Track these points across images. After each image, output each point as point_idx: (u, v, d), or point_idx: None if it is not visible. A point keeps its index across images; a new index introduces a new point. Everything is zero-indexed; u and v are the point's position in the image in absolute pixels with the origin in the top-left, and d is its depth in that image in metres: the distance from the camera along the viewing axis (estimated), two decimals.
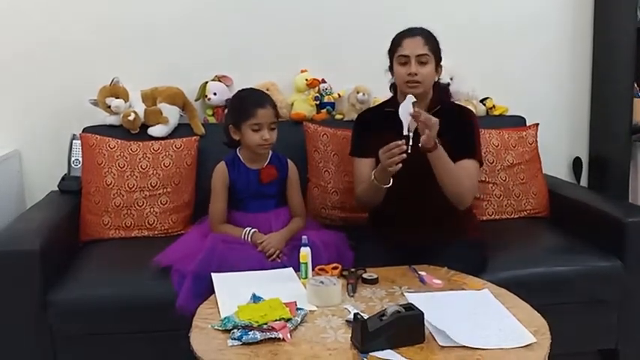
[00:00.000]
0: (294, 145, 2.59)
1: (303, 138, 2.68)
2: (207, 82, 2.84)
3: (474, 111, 2.55)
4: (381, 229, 2.19)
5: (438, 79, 2.14)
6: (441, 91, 2.22)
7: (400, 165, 1.87)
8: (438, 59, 2.10)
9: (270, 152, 2.29)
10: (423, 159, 1.96)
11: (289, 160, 2.35)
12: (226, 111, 2.31)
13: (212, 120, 2.87)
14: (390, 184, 1.97)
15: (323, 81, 2.89)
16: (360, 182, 2.11)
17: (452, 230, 2.11)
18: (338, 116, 2.87)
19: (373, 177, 1.96)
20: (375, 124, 2.13)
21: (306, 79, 2.85)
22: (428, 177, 2.00)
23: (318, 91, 2.86)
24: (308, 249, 1.84)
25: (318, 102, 2.85)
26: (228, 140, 2.28)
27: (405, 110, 1.86)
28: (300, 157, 2.54)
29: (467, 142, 2.05)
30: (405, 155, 1.85)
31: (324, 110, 2.85)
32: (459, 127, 2.03)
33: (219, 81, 2.84)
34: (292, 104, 2.86)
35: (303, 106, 2.84)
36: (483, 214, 2.64)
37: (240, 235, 2.16)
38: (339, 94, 2.90)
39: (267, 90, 2.67)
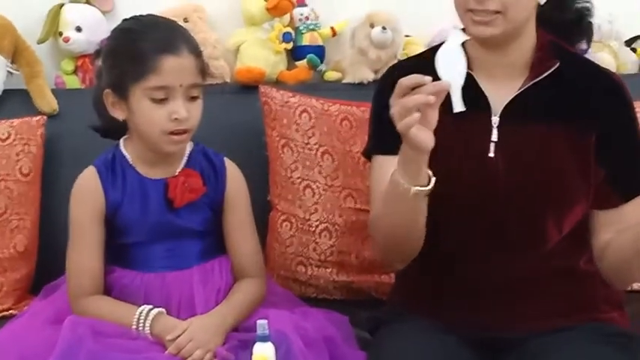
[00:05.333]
0: (241, 134, 2.56)
1: (261, 118, 2.58)
2: (62, 6, 2.74)
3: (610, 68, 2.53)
4: (421, 308, 2.08)
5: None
6: (560, 30, 2.11)
7: (433, 139, 1.83)
8: None
9: (190, 146, 2.17)
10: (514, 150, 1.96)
11: (229, 162, 2.23)
12: (100, 63, 2.20)
13: (73, 83, 2.77)
14: (430, 185, 1.90)
15: (300, 2, 2.84)
16: (379, 199, 2.08)
17: (571, 306, 2.01)
18: (331, 75, 2.83)
19: (395, 176, 1.94)
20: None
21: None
22: (525, 192, 1.97)
23: (291, 24, 2.83)
24: (270, 347, 1.77)
25: (290, 45, 2.79)
26: (103, 122, 2.17)
27: (449, 59, 1.86)
28: (253, 158, 2.48)
29: (634, 157, 2.02)
30: (436, 118, 1.82)
31: (303, 62, 2.80)
32: (612, 120, 2.00)
33: (88, 2, 2.78)
34: (238, 50, 2.78)
35: (259, 54, 2.77)
36: None
37: (131, 322, 2.03)
38: (333, 30, 2.84)
39: (185, 21, 2.62)
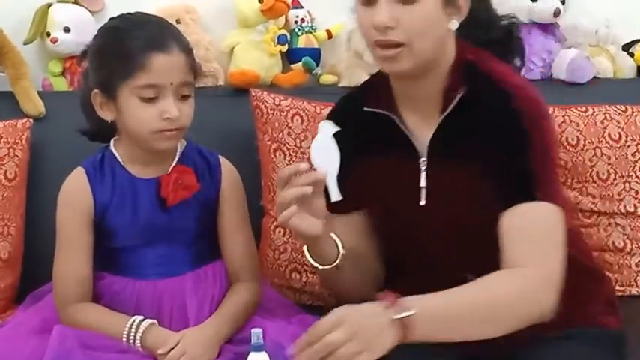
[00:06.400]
0: (234, 138, 2.56)
1: (253, 122, 2.59)
2: (49, 6, 2.74)
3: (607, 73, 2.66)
4: None
5: (474, 4, 1.99)
6: (475, 32, 2.04)
7: (319, 226, 1.86)
8: None
9: (182, 143, 2.17)
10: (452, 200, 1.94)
11: (224, 160, 2.23)
12: (86, 63, 2.20)
13: (61, 85, 2.77)
14: (337, 261, 1.94)
15: (296, 4, 2.85)
16: None
17: (560, 313, 1.94)
18: (327, 78, 2.83)
19: (306, 250, 1.98)
20: (356, 139, 2.05)
21: (260, 1, 2.76)
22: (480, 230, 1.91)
23: (286, 26, 2.83)
24: (264, 357, 1.75)
25: (285, 48, 2.80)
26: (92, 125, 2.16)
27: (323, 150, 1.88)
28: (246, 162, 2.44)
29: (518, 166, 1.93)
30: (322, 204, 1.86)
31: (298, 65, 2.82)
32: (500, 133, 1.94)
33: (77, 3, 2.78)
34: (232, 52, 2.78)
35: (253, 57, 2.77)
36: (628, 283, 2.56)
37: (122, 334, 2.02)
38: (328, 32, 2.85)
39: (178, 22, 2.62)
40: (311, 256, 1.95)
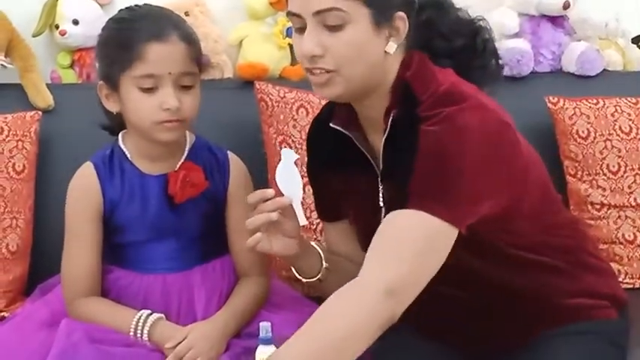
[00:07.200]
0: (242, 130, 2.56)
1: (259, 115, 2.60)
2: None
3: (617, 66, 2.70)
4: (407, 319, 1.99)
5: (429, 15, 1.97)
6: (433, 43, 2.00)
7: (293, 245, 1.92)
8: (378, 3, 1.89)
9: (191, 137, 2.17)
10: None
11: (232, 156, 2.22)
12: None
13: (70, 77, 2.76)
14: (319, 276, 1.99)
15: None
16: None
17: (551, 313, 1.99)
18: None
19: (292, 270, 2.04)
20: (328, 155, 2.07)
21: None
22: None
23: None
24: (273, 350, 1.73)
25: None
26: (110, 119, 2.16)
27: (286, 176, 1.92)
28: (253, 155, 2.44)
29: (403, 176, 1.88)
30: (293, 225, 1.91)
31: None
32: (405, 155, 1.90)
33: None
34: (240, 45, 2.78)
35: (262, 49, 2.77)
36: (638, 276, 2.56)
37: (129, 328, 2.01)
38: None
39: (186, 15, 2.60)
40: (296, 271, 1.99)
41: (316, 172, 2.14)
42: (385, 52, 1.86)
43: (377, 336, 1.76)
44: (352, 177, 1.97)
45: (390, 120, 1.89)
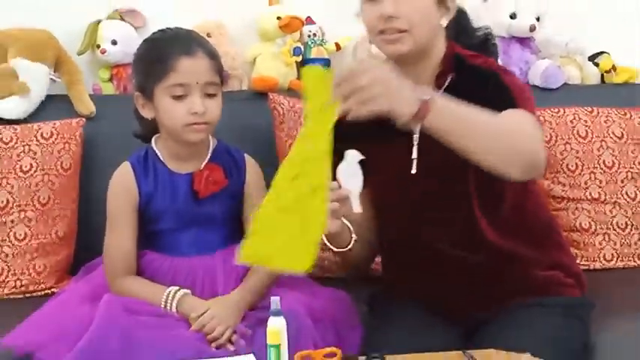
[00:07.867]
0: (257, 135, 2.60)
1: (272, 121, 2.69)
2: (99, 22, 2.83)
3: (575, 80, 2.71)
4: (403, 290, 2.13)
5: (458, 17, 2.10)
6: (459, 38, 2.14)
7: (338, 224, 1.92)
8: None
9: (213, 141, 2.23)
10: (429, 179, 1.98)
11: (248, 157, 2.27)
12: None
13: (109, 89, 2.84)
14: (349, 246, 2.02)
15: (309, 21, 2.92)
16: None
17: (529, 283, 2.08)
18: None
19: (325, 238, 2.01)
20: (354, 128, 1.97)
21: (279, 18, 2.85)
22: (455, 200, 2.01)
23: (301, 39, 2.91)
24: (282, 321, 1.77)
25: (299, 58, 2.88)
26: (143, 128, 2.23)
27: (348, 172, 1.91)
28: (268, 156, 2.49)
29: (498, 100, 1.97)
30: (340, 216, 1.92)
31: None
32: (483, 93, 1.97)
33: (122, 19, 2.85)
34: (254, 62, 2.88)
35: (272, 66, 2.85)
36: (593, 259, 2.67)
37: (160, 301, 2.08)
38: (337, 45, 2.94)
39: (209, 36, 2.66)
40: (330, 242, 2.02)
41: (341, 151, 2.03)
42: (440, 24, 2.02)
43: (517, 159, 1.83)
44: (382, 135, 1.97)
45: (448, 81, 2.01)
